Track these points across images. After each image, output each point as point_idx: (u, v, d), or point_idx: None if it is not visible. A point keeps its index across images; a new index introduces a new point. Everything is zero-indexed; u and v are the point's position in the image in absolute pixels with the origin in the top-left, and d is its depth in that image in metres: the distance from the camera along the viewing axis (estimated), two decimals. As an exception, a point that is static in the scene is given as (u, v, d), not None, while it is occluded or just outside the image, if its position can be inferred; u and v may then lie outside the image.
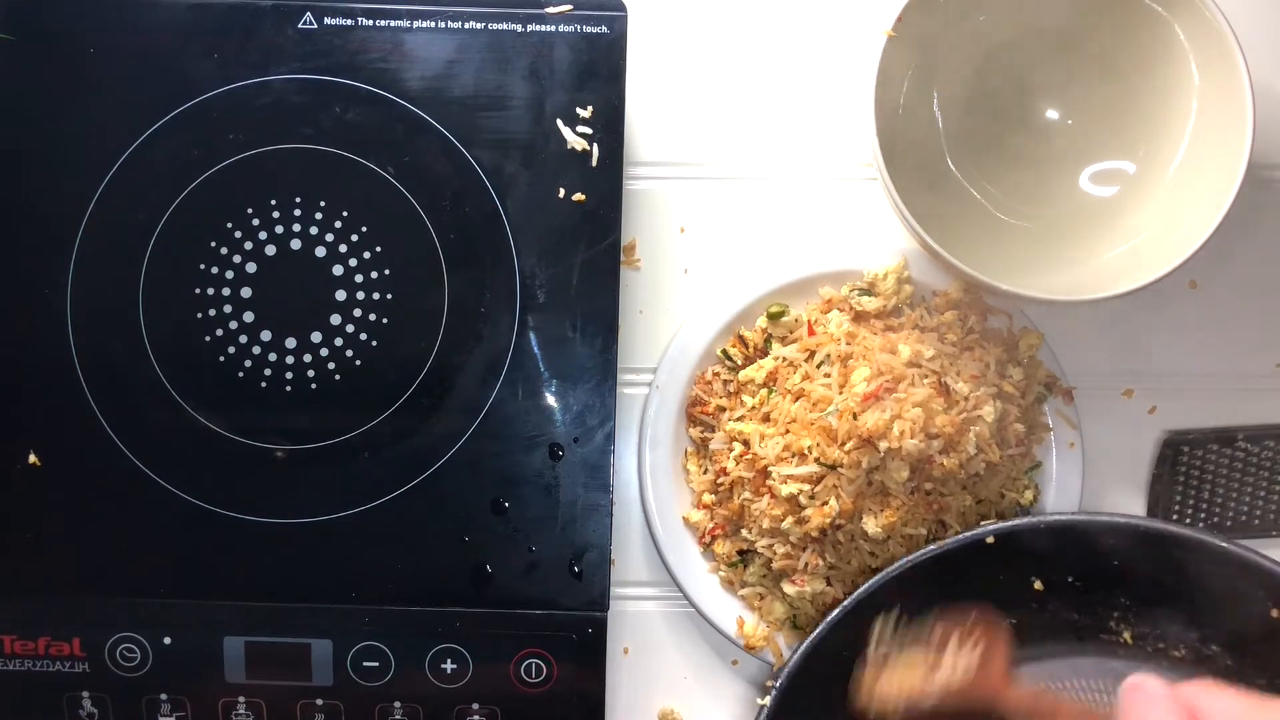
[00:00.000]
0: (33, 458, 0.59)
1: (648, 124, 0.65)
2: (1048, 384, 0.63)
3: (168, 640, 0.58)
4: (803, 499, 0.59)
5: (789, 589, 0.61)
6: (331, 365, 0.59)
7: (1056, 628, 0.60)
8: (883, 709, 0.57)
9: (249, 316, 0.59)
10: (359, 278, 0.60)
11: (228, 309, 0.59)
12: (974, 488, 0.61)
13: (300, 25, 0.60)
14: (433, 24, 0.60)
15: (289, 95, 0.60)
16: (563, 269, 0.60)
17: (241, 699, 0.58)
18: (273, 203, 0.60)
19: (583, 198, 0.60)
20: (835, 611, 0.58)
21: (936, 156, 0.64)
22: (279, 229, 0.60)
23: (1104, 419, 0.65)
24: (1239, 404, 0.65)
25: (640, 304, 0.65)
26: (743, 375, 0.62)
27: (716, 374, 0.63)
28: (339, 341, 0.59)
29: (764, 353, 0.63)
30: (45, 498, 0.59)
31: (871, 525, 0.58)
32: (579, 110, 0.60)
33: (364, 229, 0.60)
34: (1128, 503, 0.65)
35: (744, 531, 0.62)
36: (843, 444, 0.58)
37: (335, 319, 0.60)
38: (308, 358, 0.59)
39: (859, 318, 0.62)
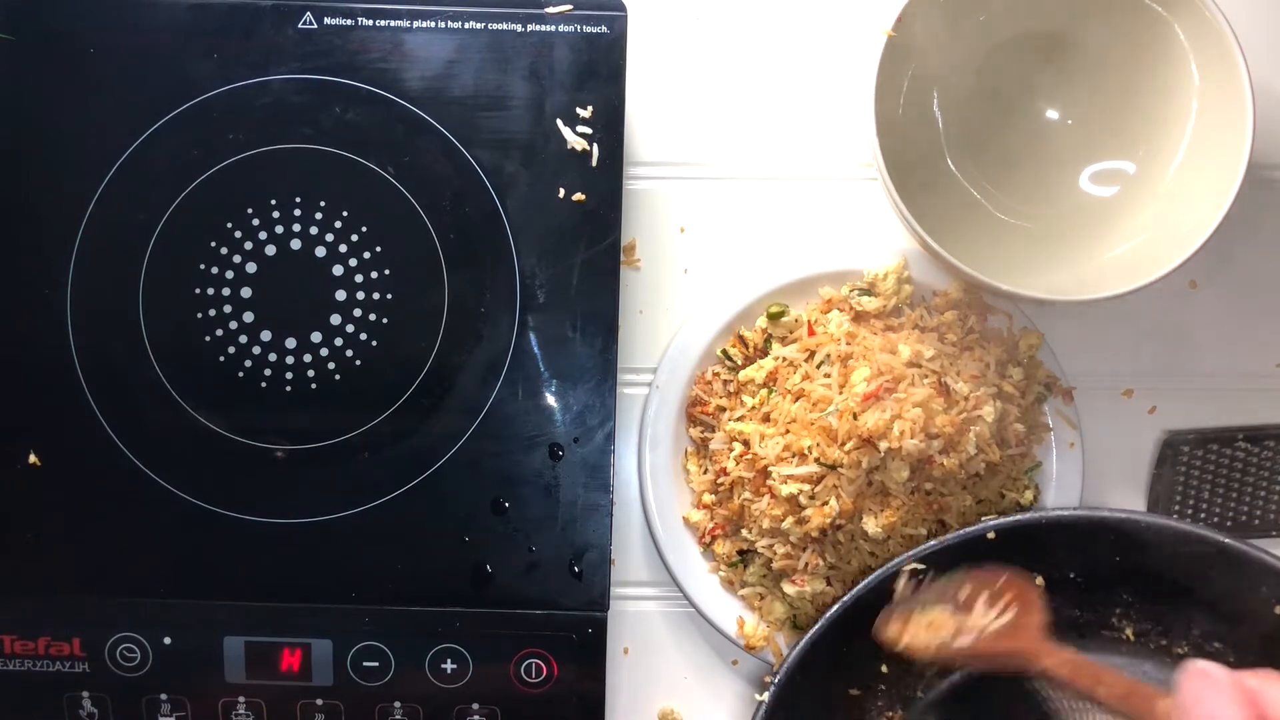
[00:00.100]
0: (33, 458, 0.59)
1: (648, 124, 0.65)
2: (1048, 384, 0.63)
3: (168, 640, 0.58)
4: (803, 499, 0.59)
5: (789, 589, 0.61)
6: (331, 365, 0.59)
7: (1058, 624, 0.60)
8: (913, 656, 0.57)
9: (249, 316, 0.59)
10: (359, 278, 0.60)
11: (228, 309, 0.59)
12: (974, 488, 0.61)
13: (300, 25, 0.60)
14: (433, 24, 0.60)
15: (289, 95, 0.60)
16: (563, 269, 0.60)
17: (241, 699, 0.58)
18: (273, 203, 0.60)
19: (583, 198, 0.60)
20: (834, 608, 0.58)
21: (936, 156, 0.64)
22: (279, 229, 0.60)
23: (1104, 419, 0.65)
24: (1239, 404, 0.65)
25: (640, 304, 0.65)
26: (743, 375, 0.62)
27: (716, 374, 0.63)
28: (339, 341, 0.59)
29: (764, 353, 0.63)
30: (45, 498, 0.59)
31: (871, 525, 0.58)
32: (579, 110, 0.60)
33: (364, 229, 0.60)
34: (1128, 503, 0.65)
35: (744, 531, 0.62)
36: (843, 444, 0.58)
37: (335, 319, 0.60)
38: (308, 358, 0.59)
39: (859, 318, 0.62)
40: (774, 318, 0.62)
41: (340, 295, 0.60)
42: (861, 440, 0.57)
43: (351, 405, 0.59)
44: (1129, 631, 0.61)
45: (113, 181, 0.60)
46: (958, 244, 0.57)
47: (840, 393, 0.59)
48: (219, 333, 0.59)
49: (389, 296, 0.60)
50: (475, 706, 0.59)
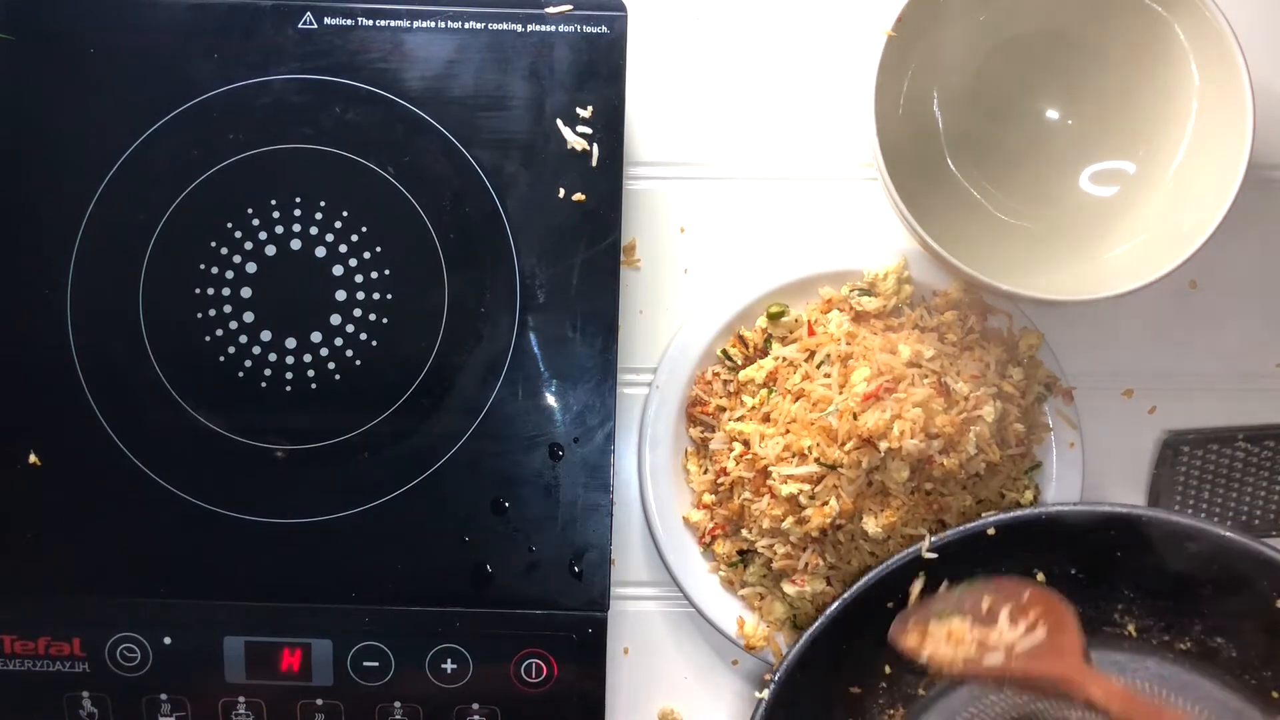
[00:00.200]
0: (33, 458, 0.59)
1: (648, 124, 0.65)
2: (1048, 384, 0.63)
3: (168, 640, 0.58)
4: (803, 499, 0.59)
5: (789, 589, 0.61)
6: (331, 365, 0.59)
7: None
8: (938, 670, 0.56)
9: (249, 316, 0.59)
10: (359, 278, 0.60)
11: (228, 309, 0.59)
12: (974, 488, 0.61)
13: (300, 25, 0.60)
14: (433, 24, 0.60)
15: (289, 95, 0.60)
16: (563, 269, 0.60)
17: (241, 699, 0.58)
18: (273, 203, 0.60)
19: (583, 198, 0.60)
20: (834, 605, 0.58)
21: (936, 156, 0.64)
22: (279, 229, 0.60)
23: (1104, 419, 0.65)
24: (1239, 404, 0.65)
25: (640, 304, 0.65)
26: (743, 375, 0.62)
27: (716, 374, 0.63)
28: (339, 341, 0.59)
29: (764, 353, 0.63)
30: (45, 498, 0.59)
31: (872, 525, 0.58)
32: (579, 110, 0.60)
33: (364, 229, 0.60)
34: (1128, 502, 0.65)
35: (744, 531, 0.62)
36: (843, 444, 0.58)
37: (335, 319, 0.60)
38: (308, 358, 0.59)
39: (859, 318, 0.62)
40: (774, 318, 0.62)
41: (340, 295, 0.60)
42: (861, 440, 0.57)
43: (351, 405, 0.59)
44: (1131, 628, 0.61)
45: (113, 181, 0.60)
46: (958, 244, 0.57)
47: (840, 393, 0.59)
48: (219, 333, 0.59)
49: (389, 296, 0.60)
50: (475, 706, 0.59)
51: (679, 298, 0.65)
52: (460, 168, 0.60)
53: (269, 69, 0.60)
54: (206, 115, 0.60)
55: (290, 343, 0.59)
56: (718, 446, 0.63)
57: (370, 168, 0.60)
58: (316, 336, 0.59)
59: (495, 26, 0.60)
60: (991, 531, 0.58)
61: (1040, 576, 0.59)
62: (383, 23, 0.60)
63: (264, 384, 0.59)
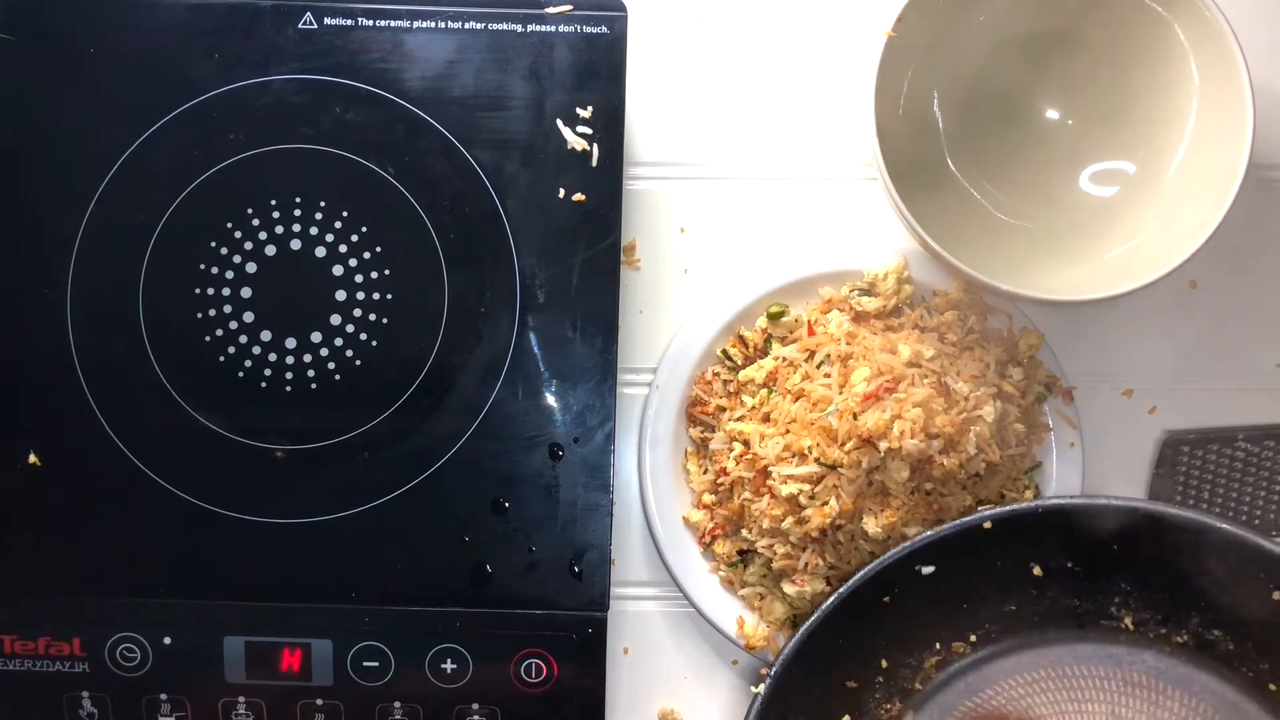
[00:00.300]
0: (33, 458, 0.59)
1: (648, 124, 0.65)
2: (1048, 384, 0.63)
3: (168, 640, 0.58)
4: (803, 499, 0.59)
5: (789, 589, 0.61)
6: (331, 365, 0.59)
7: (1057, 614, 0.61)
8: None
9: (249, 316, 0.59)
10: (359, 278, 0.60)
11: (228, 309, 0.59)
12: (974, 488, 0.61)
13: (300, 25, 0.60)
14: (433, 24, 0.60)
15: (289, 95, 0.60)
16: (563, 269, 0.60)
17: (241, 699, 0.58)
18: (273, 203, 0.60)
19: (583, 198, 0.60)
20: (830, 600, 0.58)
21: (936, 156, 0.64)
22: (279, 229, 0.60)
23: (1104, 419, 0.65)
24: (1239, 404, 0.65)
25: (640, 304, 0.65)
26: (743, 375, 0.62)
27: (716, 374, 0.63)
28: (339, 341, 0.59)
29: (764, 353, 0.63)
30: (45, 498, 0.59)
31: (872, 525, 0.58)
32: (579, 110, 0.60)
33: (364, 229, 0.60)
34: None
35: (744, 531, 0.62)
36: (843, 444, 0.58)
37: (335, 319, 0.60)
38: (308, 358, 0.59)
39: (859, 318, 0.62)
40: (774, 318, 0.62)
41: (340, 295, 0.60)
42: (861, 440, 0.57)
43: (351, 405, 0.59)
44: (1128, 621, 0.61)
45: (113, 181, 0.60)
46: (958, 244, 0.57)
47: (840, 393, 0.59)
48: (219, 333, 0.59)
49: (389, 296, 0.60)
50: (475, 706, 0.59)
51: (679, 298, 0.65)
52: (460, 168, 0.60)
53: (269, 69, 0.60)
54: (206, 115, 0.60)
55: (290, 343, 0.59)
56: (718, 446, 0.63)
57: (370, 168, 0.60)
58: (316, 336, 0.59)
59: (495, 26, 0.60)
60: (988, 525, 0.58)
61: (1037, 570, 0.59)
62: (383, 23, 0.60)
63: (264, 384, 0.59)
